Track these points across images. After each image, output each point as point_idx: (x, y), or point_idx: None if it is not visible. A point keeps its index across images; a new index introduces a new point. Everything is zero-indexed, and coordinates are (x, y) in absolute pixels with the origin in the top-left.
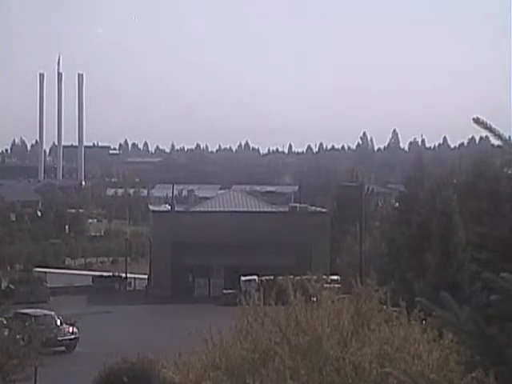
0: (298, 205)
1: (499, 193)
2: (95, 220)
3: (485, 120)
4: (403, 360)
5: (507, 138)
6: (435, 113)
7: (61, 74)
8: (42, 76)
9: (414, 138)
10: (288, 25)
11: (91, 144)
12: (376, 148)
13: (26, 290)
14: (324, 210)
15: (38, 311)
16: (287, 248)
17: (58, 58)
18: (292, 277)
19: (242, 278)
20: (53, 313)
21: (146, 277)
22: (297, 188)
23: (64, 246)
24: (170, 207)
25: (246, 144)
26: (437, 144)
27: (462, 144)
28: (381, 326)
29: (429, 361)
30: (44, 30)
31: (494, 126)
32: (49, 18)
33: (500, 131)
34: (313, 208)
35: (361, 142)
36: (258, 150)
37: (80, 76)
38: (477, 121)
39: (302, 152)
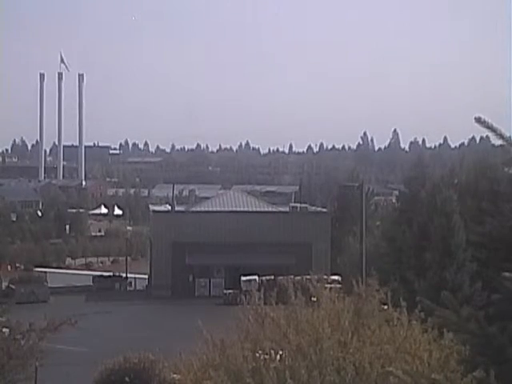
0: (298, 205)
1: (500, 192)
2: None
3: (486, 119)
4: (404, 360)
5: (509, 137)
6: (436, 113)
7: (61, 74)
8: (42, 76)
9: (415, 138)
10: (288, 24)
11: (91, 144)
12: (376, 148)
13: (27, 289)
14: (324, 210)
15: None
16: (287, 248)
17: (59, 57)
18: (293, 277)
19: (243, 278)
20: None
21: (146, 277)
22: (297, 188)
23: (64, 245)
24: (170, 207)
25: (247, 144)
26: (437, 144)
27: (463, 144)
28: (381, 326)
29: (429, 361)
30: (44, 29)
31: (495, 125)
32: (49, 17)
33: (502, 130)
34: (313, 208)
35: (361, 142)
36: (259, 149)
37: (80, 76)
38: (478, 120)
39: (303, 152)
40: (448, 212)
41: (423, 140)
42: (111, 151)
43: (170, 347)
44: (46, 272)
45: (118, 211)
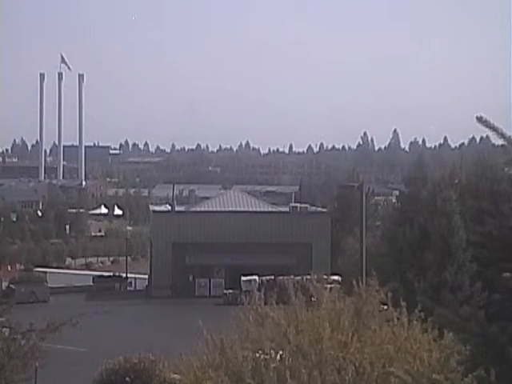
0: (298, 205)
1: (500, 192)
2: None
3: (488, 118)
4: (404, 360)
5: (510, 136)
6: (436, 112)
7: (61, 74)
8: (42, 76)
9: (415, 138)
10: (287, 25)
11: (92, 144)
12: (376, 148)
13: (27, 289)
14: (324, 210)
15: None
16: (288, 248)
17: (60, 58)
18: (293, 277)
19: (243, 278)
20: None
21: (146, 277)
22: (297, 188)
23: (64, 245)
24: (170, 207)
25: (247, 144)
26: (437, 144)
27: (463, 144)
28: (381, 326)
29: (429, 361)
30: (44, 30)
31: (497, 124)
32: (49, 18)
33: (503, 130)
34: (313, 208)
35: (361, 142)
36: (259, 149)
37: (80, 76)
38: (480, 119)
39: (303, 152)
40: (448, 212)
41: (423, 140)
42: (111, 151)
43: (170, 347)
44: (46, 272)
45: (117, 211)
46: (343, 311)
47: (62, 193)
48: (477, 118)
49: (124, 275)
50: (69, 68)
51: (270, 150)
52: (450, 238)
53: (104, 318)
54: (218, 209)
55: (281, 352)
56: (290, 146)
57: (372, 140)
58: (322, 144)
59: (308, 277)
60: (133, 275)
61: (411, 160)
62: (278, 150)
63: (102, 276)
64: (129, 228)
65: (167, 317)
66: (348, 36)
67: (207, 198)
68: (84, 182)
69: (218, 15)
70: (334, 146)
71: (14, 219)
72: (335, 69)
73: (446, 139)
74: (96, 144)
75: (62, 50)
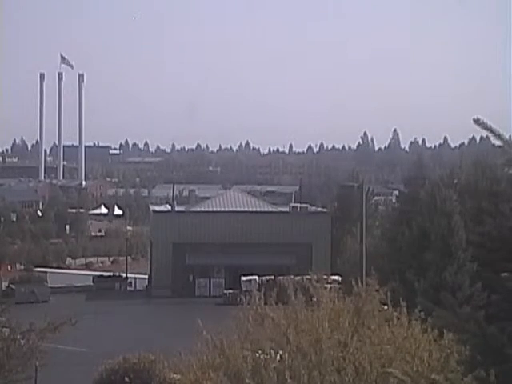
0: (298, 205)
1: (500, 192)
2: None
3: (485, 120)
4: (403, 360)
5: (507, 138)
6: (436, 112)
7: (61, 74)
8: (42, 76)
9: (415, 138)
10: (288, 24)
11: (91, 144)
12: (376, 148)
13: (27, 289)
14: (324, 210)
15: None
16: (287, 248)
17: (59, 57)
18: (293, 277)
19: (243, 278)
20: None
21: (146, 277)
22: (297, 188)
23: (64, 245)
24: (170, 207)
25: (247, 144)
26: (437, 144)
27: (463, 144)
28: (381, 326)
29: (429, 361)
30: (44, 29)
31: (494, 126)
32: (49, 18)
33: (500, 131)
34: (313, 208)
35: (361, 142)
36: (259, 149)
37: (80, 76)
38: (477, 121)
39: (303, 152)
40: (448, 212)
41: (423, 140)
42: (111, 151)
43: (170, 347)
44: (46, 272)
45: (117, 211)
46: (343, 311)
47: (62, 193)
48: (474, 120)
49: (124, 275)
50: (71, 66)
51: (270, 149)
52: (449, 238)
53: (104, 318)
54: (218, 209)
55: (280, 352)
56: (290, 146)
57: (372, 140)
58: (322, 144)
59: (308, 277)
60: (133, 275)
61: (411, 160)
62: (278, 149)
63: (102, 276)
64: (129, 228)
65: (167, 317)
66: (348, 36)
67: (207, 198)
68: (84, 182)
69: (218, 15)
70: (334, 146)
71: (14, 219)
72: (335, 69)
73: (445, 139)
74: (96, 144)
75: (62, 50)
